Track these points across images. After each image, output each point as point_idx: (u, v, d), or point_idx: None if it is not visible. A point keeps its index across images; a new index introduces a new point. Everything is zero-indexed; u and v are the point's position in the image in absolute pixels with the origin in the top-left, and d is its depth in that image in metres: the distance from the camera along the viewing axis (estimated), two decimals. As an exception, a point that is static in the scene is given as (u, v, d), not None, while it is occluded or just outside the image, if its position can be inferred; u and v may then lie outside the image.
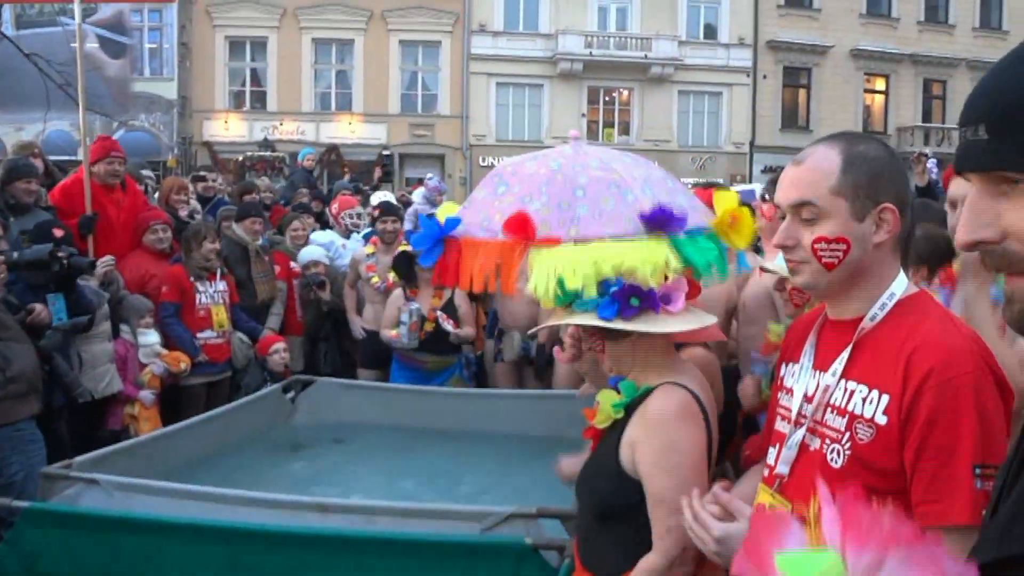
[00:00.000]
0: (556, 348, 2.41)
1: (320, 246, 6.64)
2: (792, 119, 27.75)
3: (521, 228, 2.06)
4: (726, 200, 2.20)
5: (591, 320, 1.97)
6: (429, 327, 5.18)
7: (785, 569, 0.65)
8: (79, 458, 3.20)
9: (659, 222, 2.05)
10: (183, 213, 6.42)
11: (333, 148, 19.60)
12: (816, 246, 1.52)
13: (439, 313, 5.17)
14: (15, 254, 4.15)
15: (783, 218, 1.60)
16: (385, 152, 11.16)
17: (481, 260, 2.11)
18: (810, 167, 1.54)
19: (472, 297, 5.38)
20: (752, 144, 27.29)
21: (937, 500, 1.35)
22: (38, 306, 4.13)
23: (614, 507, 1.98)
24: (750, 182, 22.44)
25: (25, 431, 3.83)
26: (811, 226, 1.53)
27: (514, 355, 5.27)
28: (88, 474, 3.02)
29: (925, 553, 0.71)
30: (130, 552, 2.75)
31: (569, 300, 1.98)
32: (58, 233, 4.59)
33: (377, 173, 11.12)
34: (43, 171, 5.96)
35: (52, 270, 4.23)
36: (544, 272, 2.01)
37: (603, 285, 1.95)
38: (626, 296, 1.93)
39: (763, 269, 2.86)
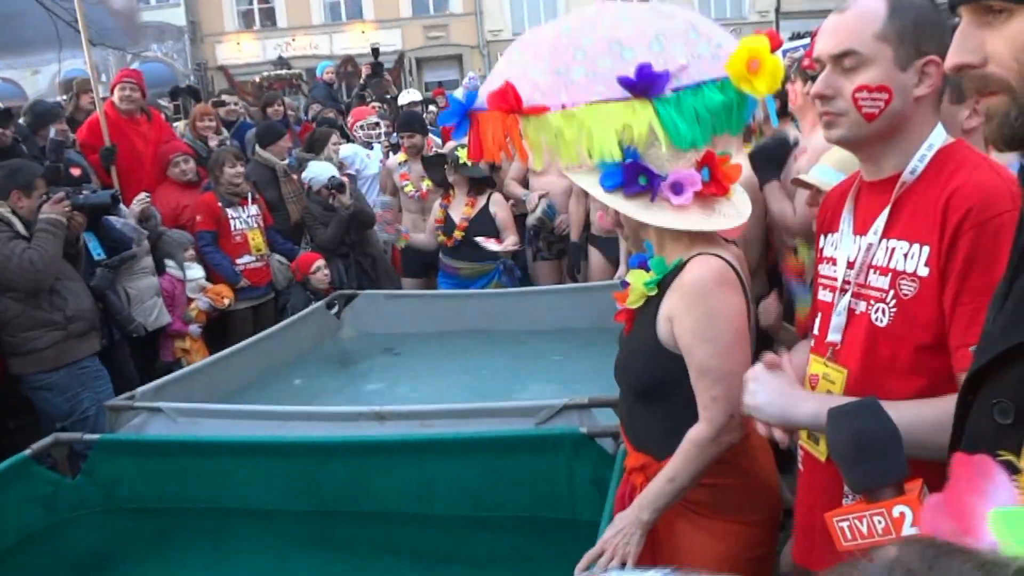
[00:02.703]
0: (600, 214, 2.30)
1: (345, 159, 6.63)
2: (819, -20, 26.57)
3: (504, 100, 1.98)
4: (747, 44, 1.95)
5: (591, 185, 1.93)
6: (459, 235, 5.09)
7: (1002, 528, 0.55)
8: (141, 388, 3.31)
9: (639, 86, 1.90)
10: (212, 142, 6.38)
11: (349, 59, 19.33)
12: (857, 95, 1.47)
13: (478, 240, 5.00)
14: (80, 197, 4.21)
15: (822, 69, 1.54)
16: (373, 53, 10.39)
17: (492, 131, 2.05)
18: (854, 13, 1.49)
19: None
20: (778, 11, 26.21)
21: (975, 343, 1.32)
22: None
23: (655, 384, 1.97)
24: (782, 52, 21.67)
25: (91, 367, 3.99)
26: (852, 74, 1.48)
27: (535, 219, 5.23)
28: (151, 403, 3.13)
29: None
30: (200, 473, 2.87)
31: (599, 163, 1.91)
32: (75, 172, 4.61)
33: (366, 70, 10.64)
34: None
35: (115, 214, 4.32)
36: (539, 142, 1.96)
37: (625, 153, 1.88)
38: (635, 172, 1.87)
39: (797, 181, 2.67)
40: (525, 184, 5.60)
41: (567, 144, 1.92)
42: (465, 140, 2.30)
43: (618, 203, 1.91)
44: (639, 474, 2.04)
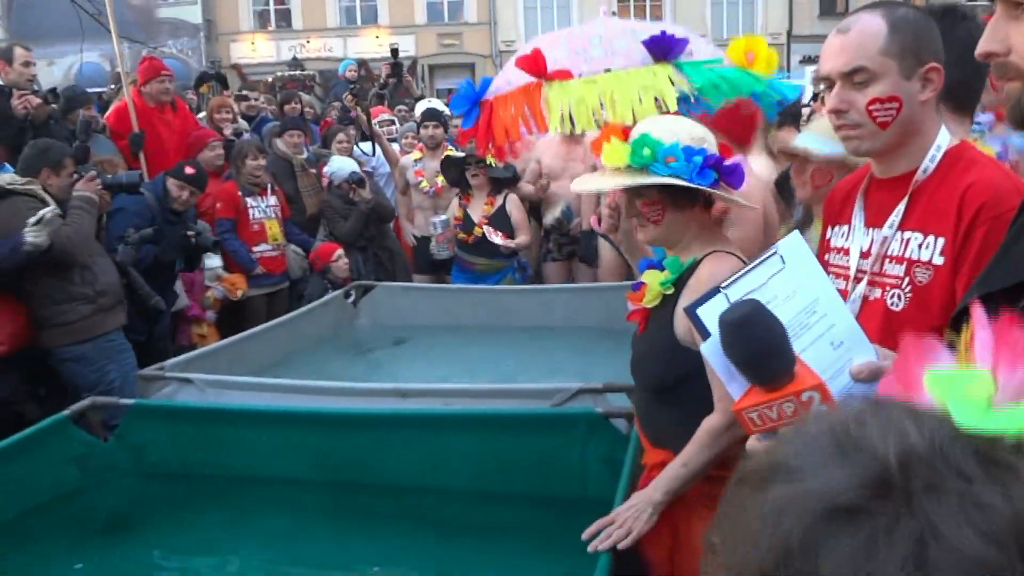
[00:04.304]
0: (593, 218, 2.42)
1: (361, 156, 6.77)
2: (830, 5, 26.73)
3: (533, 63, 2.10)
4: (744, 39, 2.13)
5: (678, 181, 1.95)
6: (479, 231, 5.30)
7: (933, 386, 0.64)
8: (169, 361, 3.44)
9: (661, 45, 2.03)
10: (228, 132, 6.53)
11: (363, 63, 19.57)
12: (871, 107, 1.59)
13: (486, 228, 5.21)
14: (109, 176, 4.35)
15: (831, 87, 1.67)
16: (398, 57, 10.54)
17: (511, 109, 2.17)
18: (857, 32, 1.61)
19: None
20: (789, 34, 26.43)
21: None
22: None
23: (673, 380, 2.06)
24: (788, 73, 21.82)
25: (116, 341, 4.11)
26: (863, 88, 1.60)
27: (553, 219, 5.39)
28: (182, 374, 3.25)
29: None
30: (226, 440, 2.98)
31: (645, 163, 1.96)
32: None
33: (385, 69, 10.80)
34: None
35: (142, 194, 4.53)
36: (558, 107, 2.09)
37: (686, 152, 1.94)
38: (710, 165, 1.95)
39: (783, 151, 2.69)
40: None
41: (587, 108, 2.07)
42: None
43: (717, 192, 1.99)
44: (658, 470, 2.12)
